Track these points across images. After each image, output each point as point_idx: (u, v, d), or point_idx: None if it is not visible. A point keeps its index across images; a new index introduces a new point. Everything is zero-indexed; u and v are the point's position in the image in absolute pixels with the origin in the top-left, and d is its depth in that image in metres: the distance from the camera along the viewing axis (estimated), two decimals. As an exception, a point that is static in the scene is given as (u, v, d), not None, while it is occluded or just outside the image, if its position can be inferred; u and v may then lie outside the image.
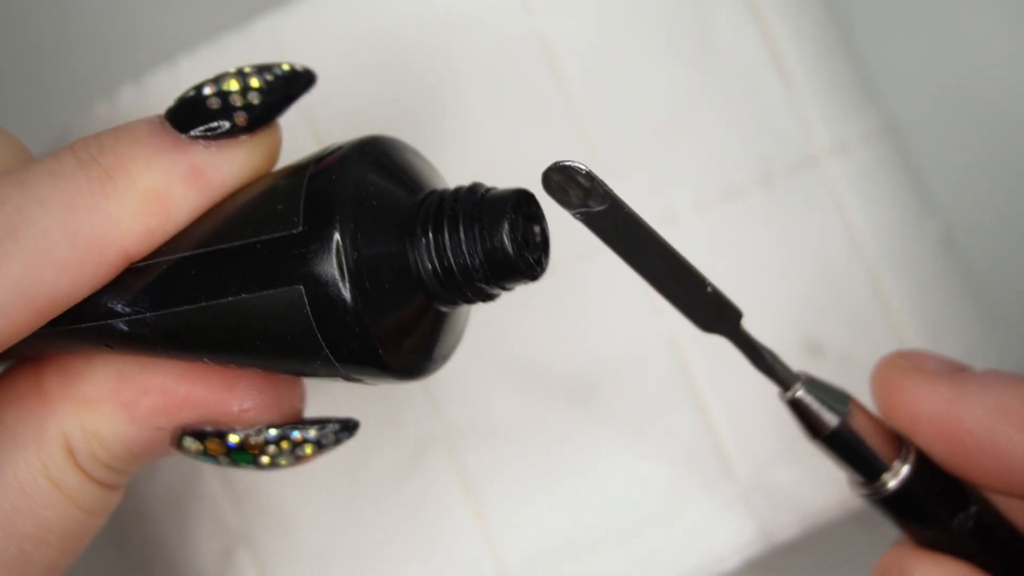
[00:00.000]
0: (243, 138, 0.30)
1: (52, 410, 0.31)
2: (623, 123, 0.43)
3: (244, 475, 0.43)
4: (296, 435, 0.31)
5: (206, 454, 0.31)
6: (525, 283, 0.30)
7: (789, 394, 0.34)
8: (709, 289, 0.33)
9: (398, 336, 0.30)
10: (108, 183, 0.29)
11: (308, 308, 0.29)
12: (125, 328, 0.30)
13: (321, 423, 0.31)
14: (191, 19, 0.56)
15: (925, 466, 0.34)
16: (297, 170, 0.30)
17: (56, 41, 0.58)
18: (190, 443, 0.31)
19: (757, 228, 0.43)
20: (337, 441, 0.32)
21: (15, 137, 0.32)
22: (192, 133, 0.30)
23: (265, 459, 0.31)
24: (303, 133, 0.42)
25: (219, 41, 0.43)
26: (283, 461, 0.31)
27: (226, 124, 0.30)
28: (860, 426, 0.34)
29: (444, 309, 0.31)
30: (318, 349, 0.29)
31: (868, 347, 0.43)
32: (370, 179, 0.30)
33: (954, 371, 0.35)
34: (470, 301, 0.31)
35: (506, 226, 0.29)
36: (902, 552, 0.35)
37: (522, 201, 0.30)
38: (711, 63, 0.44)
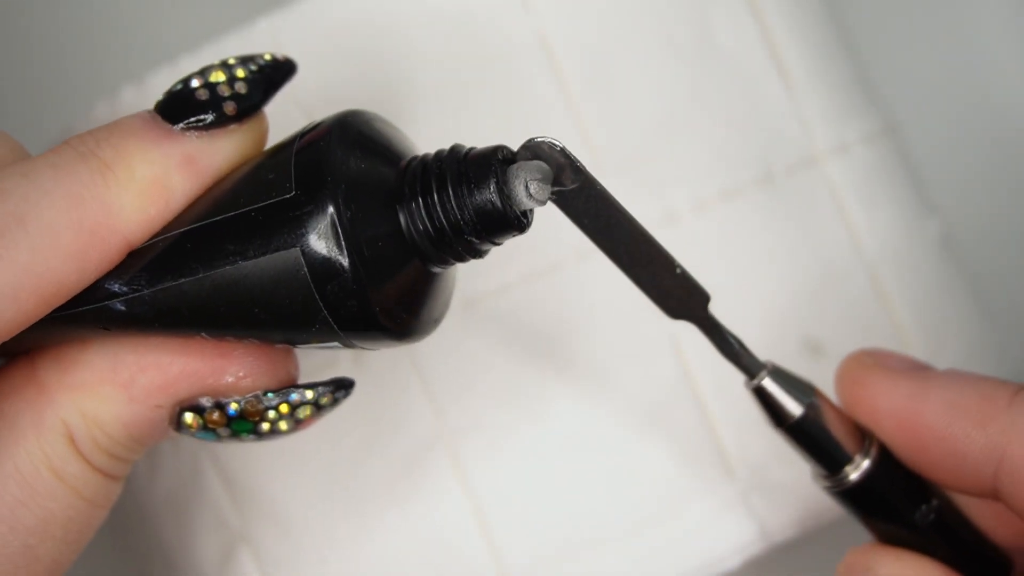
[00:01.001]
0: (232, 127, 0.31)
1: (50, 399, 0.31)
2: (623, 123, 0.43)
3: (245, 474, 0.43)
4: (294, 397, 0.32)
5: (206, 428, 0.31)
6: (514, 235, 0.31)
7: (754, 382, 0.34)
8: (678, 270, 0.33)
9: (393, 295, 0.30)
10: (108, 174, 0.30)
11: (305, 269, 0.29)
12: (123, 308, 0.31)
13: (317, 384, 0.32)
14: (191, 19, 0.56)
15: (887, 460, 0.35)
16: (284, 146, 0.31)
17: (57, 41, 0.58)
18: (190, 418, 0.31)
19: (757, 228, 0.43)
20: (335, 401, 0.32)
21: (11, 136, 0.32)
22: (182, 125, 0.31)
23: (265, 425, 0.32)
24: (303, 133, 0.42)
25: (219, 41, 0.43)
26: (283, 426, 0.32)
27: (213, 115, 0.31)
28: (824, 418, 0.34)
29: (436, 270, 0.32)
30: (316, 311, 0.30)
31: (867, 346, 0.43)
32: (356, 145, 0.30)
33: (916, 368, 0.35)
34: (461, 259, 0.31)
35: (493, 180, 0.30)
36: (866, 549, 0.35)
37: (505, 157, 0.31)
38: (711, 63, 0.44)
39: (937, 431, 0.34)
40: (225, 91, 0.31)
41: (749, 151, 0.44)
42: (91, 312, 0.31)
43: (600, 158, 0.43)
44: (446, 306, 0.33)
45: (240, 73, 0.31)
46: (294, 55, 0.42)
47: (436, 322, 0.32)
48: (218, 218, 0.30)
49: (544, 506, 0.42)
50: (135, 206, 0.30)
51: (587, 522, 0.42)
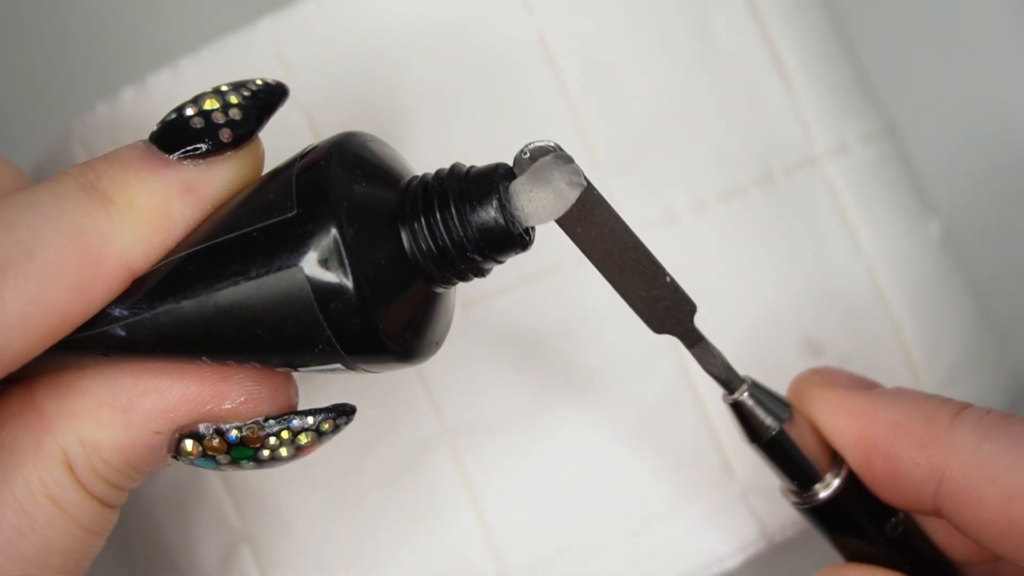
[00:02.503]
0: (229, 153, 0.31)
1: (48, 426, 0.31)
2: (622, 123, 0.43)
3: (245, 475, 0.43)
4: (295, 423, 0.31)
5: (205, 455, 0.31)
6: (517, 253, 0.31)
7: (733, 396, 0.34)
8: (668, 279, 0.33)
9: (396, 315, 0.30)
10: (110, 206, 0.30)
11: (309, 287, 0.29)
12: (123, 333, 0.30)
13: (318, 411, 0.32)
14: (192, 20, 0.56)
15: (857, 479, 0.35)
16: (283, 168, 0.31)
17: (58, 43, 0.58)
18: (189, 445, 0.31)
19: (757, 228, 0.43)
20: (336, 428, 0.32)
21: (14, 164, 0.32)
22: (179, 154, 0.31)
23: (266, 452, 0.31)
24: (304, 134, 0.42)
25: (219, 42, 0.43)
26: (283, 452, 0.32)
27: (209, 143, 0.31)
28: (798, 435, 0.34)
29: (438, 290, 0.32)
30: (319, 331, 0.30)
31: (867, 347, 0.44)
32: (356, 166, 0.30)
33: (864, 387, 0.36)
34: (464, 278, 0.31)
35: (496, 198, 0.30)
36: (835, 570, 0.35)
37: (506, 174, 0.31)
38: (711, 63, 0.44)
39: (881, 450, 0.34)
40: (220, 118, 0.31)
41: (749, 151, 0.44)
42: (92, 338, 0.31)
43: (600, 158, 0.43)
44: (447, 328, 0.33)
45: (234, 99, 0.31)
46: (295, 56, 0.42)
47: (438, 344, 0.32)
48: (220, 239, 0.30)
49: (544, 506, 0.42)
50: (137, 236, 0.30)
51: (587, 522, 0.42)
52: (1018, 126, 0.55)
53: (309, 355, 0.30)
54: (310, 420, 0.32)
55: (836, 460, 0.35)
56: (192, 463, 0.31)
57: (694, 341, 0.34)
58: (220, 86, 0.32)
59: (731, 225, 0.43)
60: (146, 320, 0.30)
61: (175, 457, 0.31)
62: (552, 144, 0.31)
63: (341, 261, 0.29)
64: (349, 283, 0.29)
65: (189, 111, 0.31)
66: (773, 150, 0.44)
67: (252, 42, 0.43)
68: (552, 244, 0.42)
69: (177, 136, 0.31)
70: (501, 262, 0.32)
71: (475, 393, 0.42)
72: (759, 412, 0.34)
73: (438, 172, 0.31)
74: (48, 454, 0.31)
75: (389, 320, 0.30)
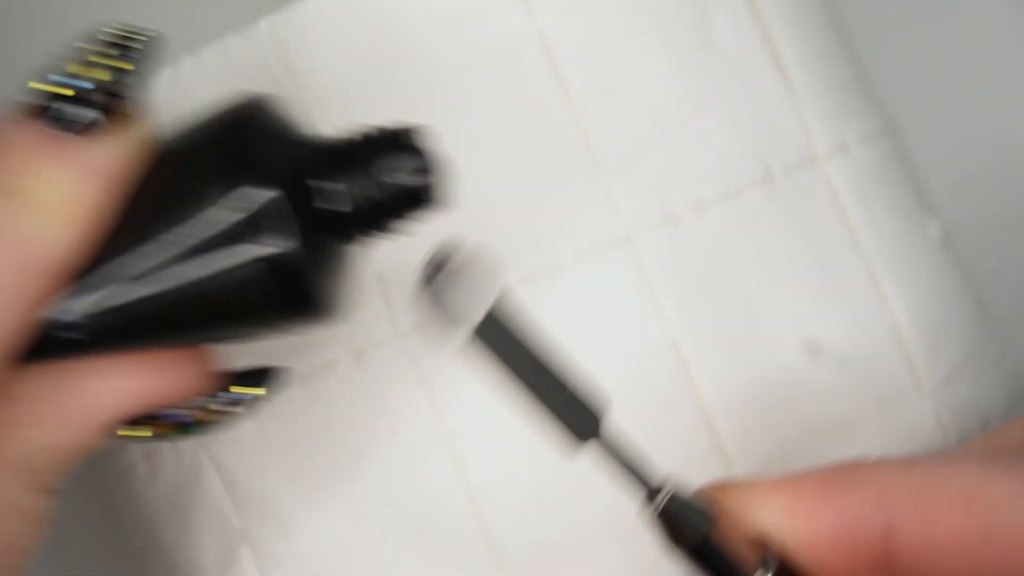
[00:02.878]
0: (127, 121, 0.29)
1: None
2: (623, 123, 0.43)
3: (245, 474, 0.43)
4: (236, 396, 0.32)
5: (151, 437, 0.31)
6: (428, 211, 0.32)
7: (654, 501, 0.33)
8: (568, 391, 0.32)
9: (326, 283, 0.31)
10: (20, 204, 0.28)
11: (254, 271, 0.29)
12: (66, 336, 0.30)
13: (249, 376, 0.32)
14: (192, 20, 0.56)
15: (787, 571, 0.33)
16: (198, 142, 0.31)
17: (58, 43, 0.58)
18: (136, 431, 0.31)
19: (757, 228, 0.43)
20: (269, 392, 0.32)
21: None
22: (76, 131, 0.29)
23: (211, 426, 0.32)
24: (304, 134, 0.42)
25: (219, 42, 0.43)
26: (228, 420, 0.32)
27: (103, 115, 0.29)
28: (724, 537, 0.33)
29: (349, 248, 0.32)
30: (261, 310, 0.30)
31: (867, 347, 0.44)
32: (267, 135, 0.31)
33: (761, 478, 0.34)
34: (373, 237, 0.32)
35: (403, 158, 0.31)
36: None
37: (411, 134, 0.32)
38: (711, 63, 0.44)
39: (817, 506, 0.32)
40: (111, 86, 0.29)
41: (749, 151, 0.44)
42: (32, 345, 0.30)
43: (600, 158, 0.43)
44: (357, 284, 0.34)
45: (120, 63, 0.29)
46: (295, 55, 0.42)
47: (352, 302, 0.33)
48: (153, 236, 0.30)
49: (544, 506, 0.42)
50: (61, 232, 0.28)
51: (587, 521, 0.42)
52: (1018, 126, 0.55)
53: (249, 333, 0.31)
54: (250, 392, 0.32)
55: (763, 559, 0.33)
56: (139, 443, 0.31)
57: (611, 443, 0.33)
58: (98, 45, 0.30)
59: (731, 225, 0.43)
60: (87, 322, 0.30)
61: (121, 439, 0.31)
62: (454, 246, 0.31)
63: (282, 242, 0.29)
64: (294, 260, 0.29)
65: (82, 83, 0.29)
66: (773, 150, 0.44)
67: (252, 42, 0.43)
68: (551, 245, 0.42)
69: (70, 110, 0.29)
70: (413, 221, 0.32)
71: (475, 393, 0.42)
72: (682, 517, 0.33)
73: (346, 133, 0.32)
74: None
75: (322, 290, 0.31)
